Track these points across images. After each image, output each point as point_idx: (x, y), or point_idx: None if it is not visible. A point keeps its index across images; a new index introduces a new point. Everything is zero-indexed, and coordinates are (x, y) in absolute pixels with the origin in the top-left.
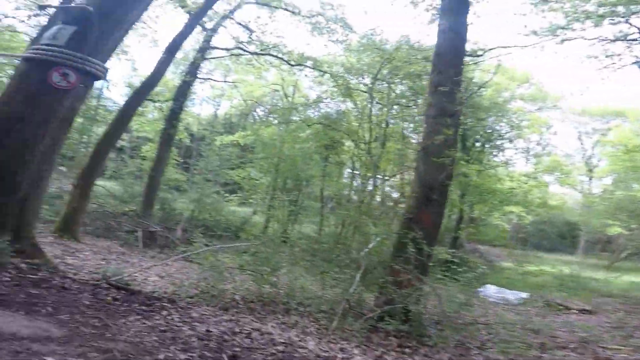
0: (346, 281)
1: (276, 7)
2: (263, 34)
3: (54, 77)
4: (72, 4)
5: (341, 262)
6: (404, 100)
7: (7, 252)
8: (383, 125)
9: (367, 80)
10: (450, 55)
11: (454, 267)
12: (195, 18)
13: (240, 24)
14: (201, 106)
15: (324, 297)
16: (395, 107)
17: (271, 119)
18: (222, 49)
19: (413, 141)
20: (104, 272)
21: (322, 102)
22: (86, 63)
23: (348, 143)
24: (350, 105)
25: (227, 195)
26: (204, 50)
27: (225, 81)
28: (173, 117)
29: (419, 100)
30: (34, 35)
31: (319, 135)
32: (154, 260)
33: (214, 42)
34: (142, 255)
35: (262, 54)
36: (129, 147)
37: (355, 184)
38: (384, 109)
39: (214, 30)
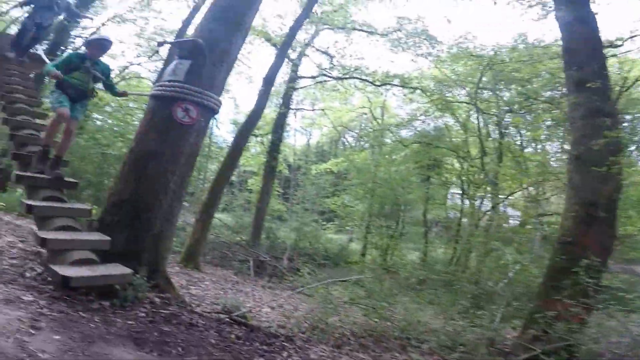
0: (476, 314)
1: (351, 29)
2: (343, 57)
3: (178, 113)
4: (184, 39)
5: (468, 293)
6: (515, 106)
7: (144, 287)
8: (494, 136)
9: (465, 91)
10: (586, 49)
11: (622, 293)
12: (283, 49)
13: (320, 50)
14: (294, 137)
15: (446, 331)
16: (507, 114)
17: (362, 143)
18: (307, 77)
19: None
20: (224, 304)
21: (417, 119)
22: (204, 97)
23: (452, 160)
24: (449, 119)
25: (324, 223)
26: (292, 80)
27: (313, 109)
28: (274, 149)
29: (533, 105)
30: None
31: (418, 155)
32: (264, 289)
33: (300, 71)
34: (254, 284)
35: (345, 78)
36: (237, 181)
37: (465, 204)
38: (492, 118)
39: (298, 60)
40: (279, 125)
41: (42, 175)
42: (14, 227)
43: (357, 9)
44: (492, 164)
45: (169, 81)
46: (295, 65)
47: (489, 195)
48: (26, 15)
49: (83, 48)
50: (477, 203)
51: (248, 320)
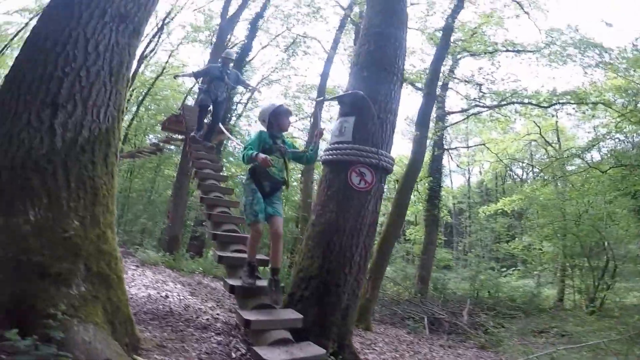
0: None
1: (494, 52)
2: (493, 83)
3: (353, 179)
4: (344, 92)
5: None
6: None
7: None
8: None
9: None
10: None
11: None
12: (430, 87)
13: (465, 80)
14: (450, 177)
15: None
16: None
17: (540, 175)
18: (457, 112)
19: None
20: None
21: (605, 139)
22: (377, 157)
23: None
24: None
25: (503, 269)
26: (441, 118)
27: (470, 146)
28: (433, 196)
29: None
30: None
31: (621, 181)
32: (444, 349)
33: (447, 106)
34: (431, 343)
35: (503, 105)
36: None
37: None
38: None
39: (443, 94)
40: (435, 169)
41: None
42: (211, 290)
43: (493, 30)
44: None
45: (337, 143)
46: (441, 102)
47: None
48: (200, 89)
49: (264, 123)
50: None
51: None
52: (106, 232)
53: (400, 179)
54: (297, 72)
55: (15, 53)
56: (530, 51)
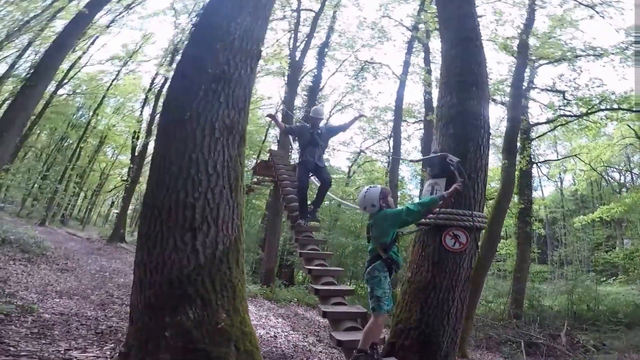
0: None
1: (572, 58)
2: (578, 90)
3: (448, 241)
4: (432, 155)
5: None
6: None
7: None
8: None
9: None
10: None
11: None
12: (515, 103)
13: (547, 90)
14: (541, 186)
15: None
16: None
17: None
18: (543, 123)
19: None
20: None
21: None
22: (471, 219)
23: None
24: None
25: (603, 280)
26: (527, 131)
27: (557, 159)
28: (525, 213)
29: None
30: None
31: None
32: None
33: (531, 118)
34: None
35: (593, 112)
36: None
37: None
38: None
39: (525, 106)
40: (524, 184)
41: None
42: (308, 322)
43: (569, 34)
44: None
45: None
46: (524, 113)
47: None
48: (297, 162)
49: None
50: None
51: None
52: (245, 317)
53: (491, 211)
54: (369, 95)
55: (111, 101)
56: (613, 53)
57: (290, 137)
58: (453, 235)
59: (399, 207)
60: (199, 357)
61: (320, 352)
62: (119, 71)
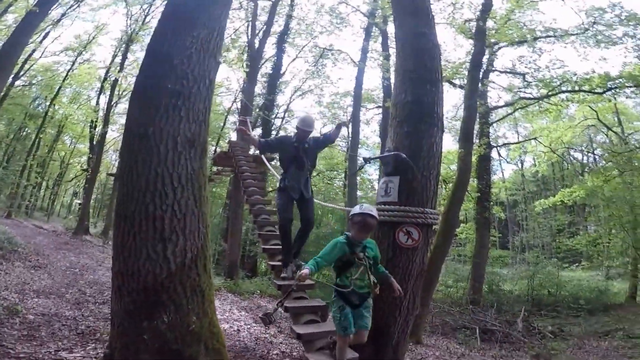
0: None
1: (533, 39)
2: (538, 71)
3: (401, 238)
4: (385, 154)
5: None
6: None
7: None
8: None
9: None
10: None
11: None
12: (471, 88)
13: (506, 72)
14: (501, 168)
15: None
16: None
17: (604, 164)
18: (502, 106)
19: None
20: None
21: None
22: (424, 216)
23: None
24: None
25: (565, 266)
26: (486, 115)
27: (517, 142)
28: (483, 198)
29: None
30: None
31: None
32: None
33: (490, 102)
34: (483, 355)
35: (553, 94)
36: None
37: None
38: None
39: (484, 90)
40: (483, 168)
41: None
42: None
43: (529, 15)
44: None
45: (384, 203)
46: (484, 97)
47: None
48: (278, 188)
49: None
50: None
51: None
52: (213, 319)
53: (448, 199)
54: (329, 81)
55: (67, 91)
56: (573, 34)
57: (264, 157)
58: (406, 232)
59: (338, 239)
60: (174, 357)
61: (281, 343)
62: (73, 61)
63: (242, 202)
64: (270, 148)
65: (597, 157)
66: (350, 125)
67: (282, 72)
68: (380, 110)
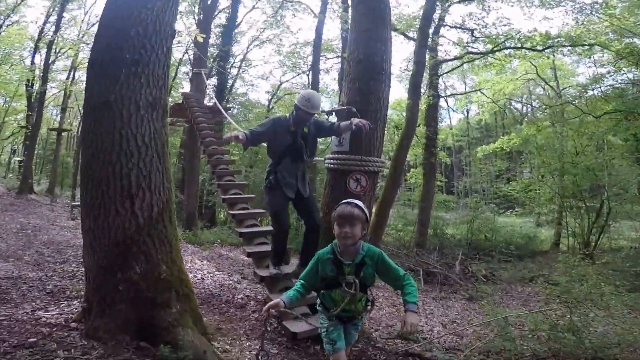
0: None
1: None
2: (486, 28)
3: (351, 185)
4: (338, 106)
5: None
6: None
7: None
8: None
9: None
10: None
11: None
12: (421, 39)
13: (456, 27)
14: (449, 117)
15: None
16: None
17: (539, 114)
18: (451, 59)
19: None
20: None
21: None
22: (370, 164)
23: None
24: None
25: (501, 211)
26: (435, 67)
27: (464, 93)
28: (430, 144)
29: None
30: None
31: (619, 125)
32: (436, 302)
33: (440, 55)
34: (425, 296)
35: (497, 50)
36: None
37: None
38: None
39: (434, 44)
40: (431, 117)
41: None
42: (232, 262)
43: None
44: None
45: (338, 152)
46: (434, 51)
47: None
48: (267, 184)
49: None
50: None
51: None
52: (181, 267)
53: (396, 148)
54: (289, 31)
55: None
56: None
57: (220, 106)
58: (355, 179)
59: (320, 253)
60: (147, 304)
61: (245, 288)
62: (1, 24)
63: (198, 152)
64: (262, 138)
65: (534, 108)
66: (310, 74)
67: (237, 23)
68: (339, 59)
